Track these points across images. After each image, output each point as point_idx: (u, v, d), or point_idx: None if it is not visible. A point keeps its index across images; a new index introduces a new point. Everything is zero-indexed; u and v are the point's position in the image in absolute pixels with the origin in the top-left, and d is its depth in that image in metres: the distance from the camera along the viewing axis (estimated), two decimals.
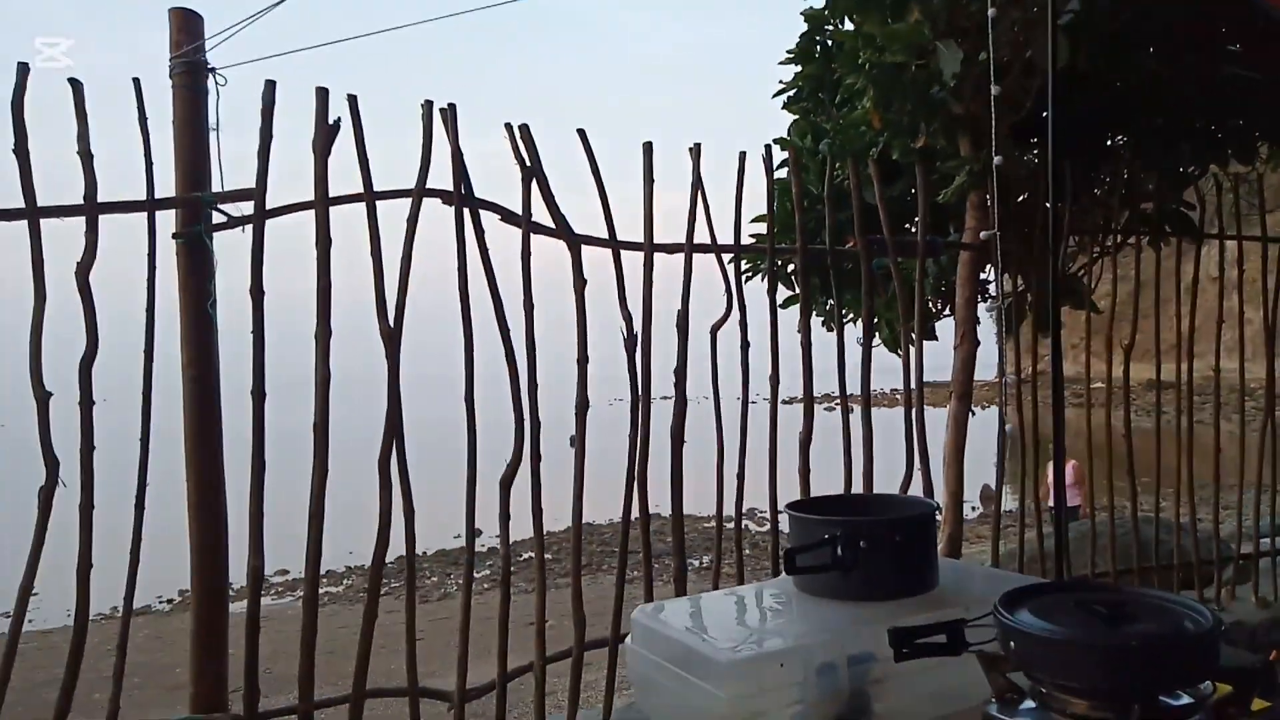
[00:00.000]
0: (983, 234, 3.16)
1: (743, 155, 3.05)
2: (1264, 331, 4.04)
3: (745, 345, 3.07)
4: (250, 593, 2.29)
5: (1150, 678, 1.00)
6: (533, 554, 2.88)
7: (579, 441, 2.83)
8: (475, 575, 2.65)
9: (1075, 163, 4.03)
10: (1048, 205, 3.79)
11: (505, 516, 2.69)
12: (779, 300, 3.28)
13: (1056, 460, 2.23)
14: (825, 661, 1.22)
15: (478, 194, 2.76)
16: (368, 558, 2.54)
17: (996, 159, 2.74)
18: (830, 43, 4.66)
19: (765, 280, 3.69)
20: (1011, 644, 1.08)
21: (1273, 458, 4.03)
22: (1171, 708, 1.04)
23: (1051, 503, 2.45)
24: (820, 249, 3.16)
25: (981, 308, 3.62)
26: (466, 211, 2.72)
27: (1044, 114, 4.15)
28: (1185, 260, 4.24)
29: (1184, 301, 3.98)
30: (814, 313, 4.26)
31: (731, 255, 3.09)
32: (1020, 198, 3.97)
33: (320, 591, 2.46)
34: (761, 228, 3.65)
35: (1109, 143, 4.57)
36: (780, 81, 5.16)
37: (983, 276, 3.93)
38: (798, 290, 4.37)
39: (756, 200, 3.10)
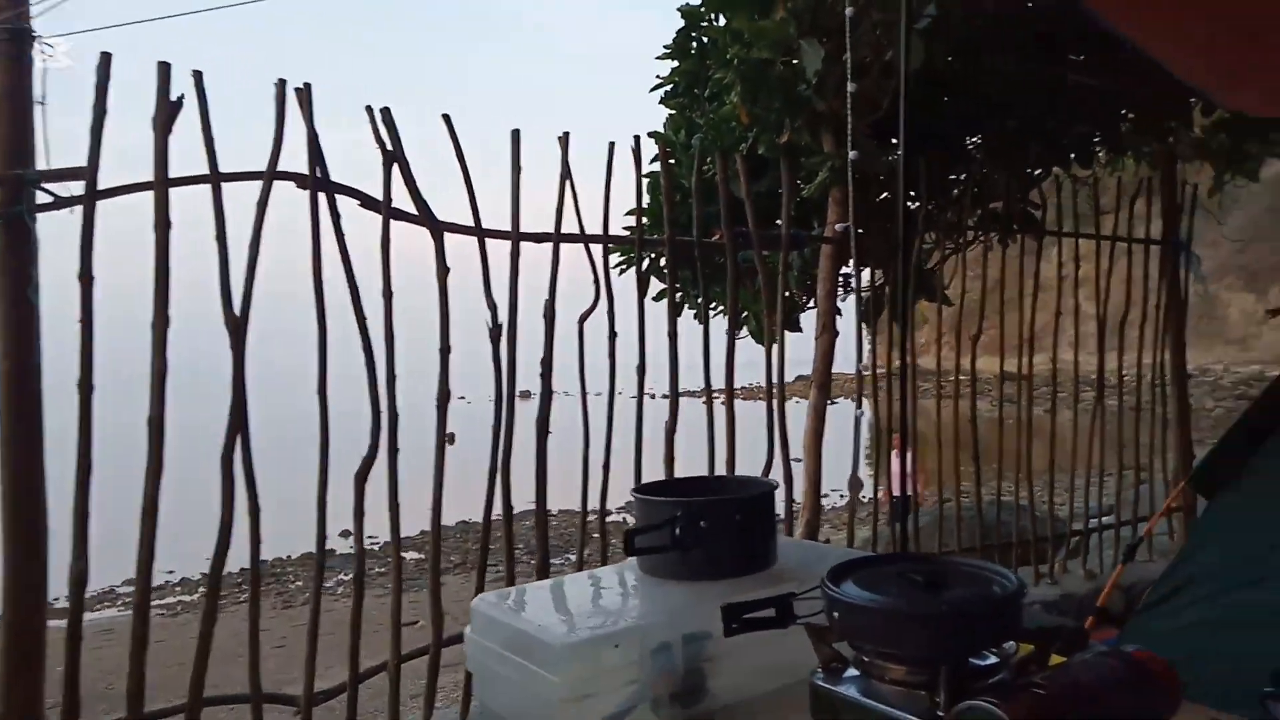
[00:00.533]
0: (837, 226, 3.27)
1: (611, 145, 3.05)
2: (1100, 326, 4.35)
3: (613, 336, 3.07)
4: (72, 600, 2.13)
5: (958, 641, 1.04)
6: (411, 553, 2.80)
7: (440, 434, 2.77)
8: (346, 577, 2.57)
9: (933, 162, 4.24)
10: (906, 201, 4.03)
11: (360, 513, 2.61)
12: (651, 293, 3.31)
13: (902, 450, 2.33)
14: (662, 641, 1.22)
15: (347, 182, 2.67)
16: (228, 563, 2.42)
17: (852, 154, 2.84)
18: (706, 39, 4.74)
19: (635, 270, 3.71)
20: (835, 615, 1.11)
21: (1101, 443, 4.34)
22: (979, 668, 1.09)
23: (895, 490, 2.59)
24: (687, 241, 3.20)
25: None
26: (322, 196, 2.62)
27: (910, 113, 4.38)
28: (1035, 260, 4.51)
29: (1032, 298, 4.24)
30: (686, 305, 4.32)
31: (601, 246, 3.09)
32: (881, 195, 4.14)
33: (174, 600, 2.33)
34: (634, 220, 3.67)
35: (966, 144, 4.84)
36: (658, 77, 5.21)
37: (846, 270, 4.09)
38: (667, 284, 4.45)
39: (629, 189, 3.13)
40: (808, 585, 1.24)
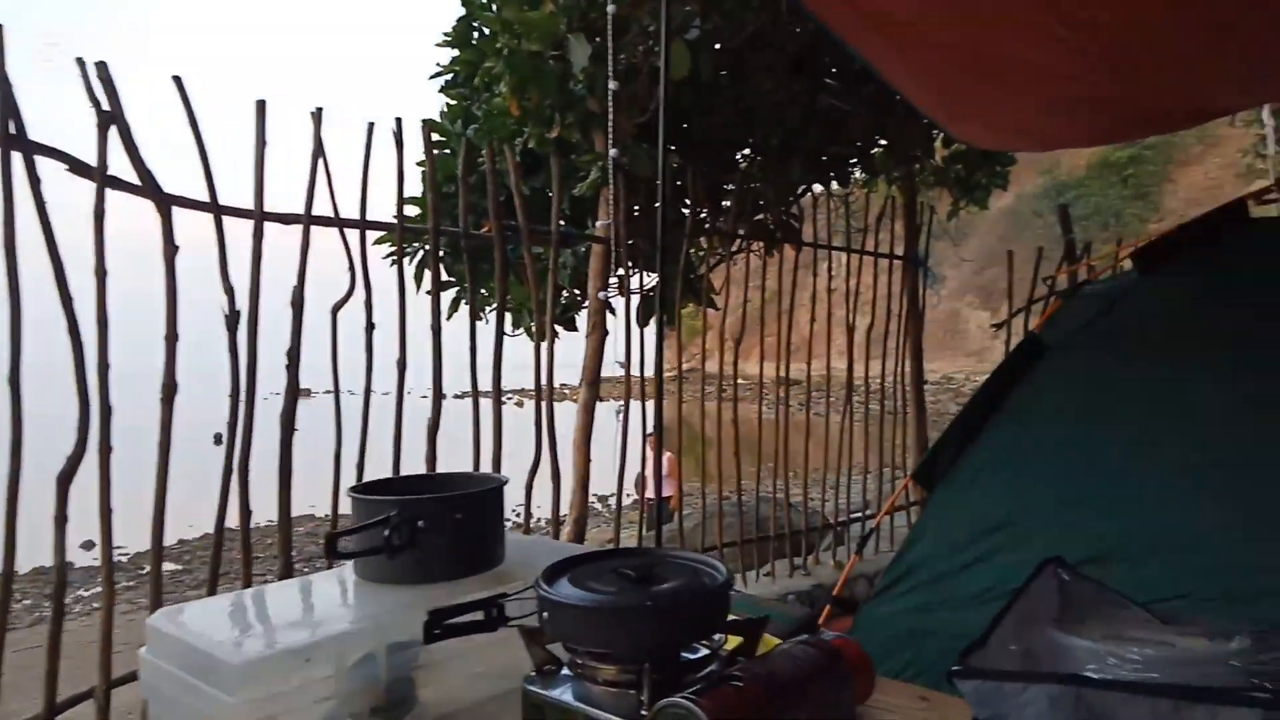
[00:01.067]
0: (598, 224, 3.28)
1: (370, 126, 2.88)
2: (848, 335, 4.67)
3: (370, 328, 2.90)
4: None
5: (660, 635, 1.02)
6: (169, 564, 2.47)
7: (164, 431, 2.49)
8: (85, 593, 2.20)
9: (703, 170, 4.37)
10: (684, 204, 4.13)
11: (62, 519, 2.28)
12: (424, 287, 3.17)
13: (657, 452, 2.35)
14: (366, 652, 1.12)
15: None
16: None
17: (612, 152, 2.85)
18: (486, 30, 4.62)
19: (412, 263, 3.55)
20: (544, 614, 1.06)
21: (866, 444, 4.67)
22: (690, 661, 1.08)
23: (650, 493, 2.65)
24: (452, 231, 3.08)
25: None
26: (18, 156, 2.27)
27: (680, 121, 4.51)
28: (808, 274, 4.79)
29: (807, 309, 4.52)
30: (463, 300, 4.19)
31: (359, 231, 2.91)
32: (654, 199, 4.22)
33: None
34: (412, 209, 3.51)
35: (736, 157, 5.05)
36: (438, 64, 5.02)
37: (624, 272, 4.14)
38: (447, 277, 4.29)
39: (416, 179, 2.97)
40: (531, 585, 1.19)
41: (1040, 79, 2.55)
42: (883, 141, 5.34)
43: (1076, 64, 2.37)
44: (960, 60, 2.54)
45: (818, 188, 5.31)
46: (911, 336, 4.97)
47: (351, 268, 2.86)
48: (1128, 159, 25.87)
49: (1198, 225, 2.51)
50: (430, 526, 1.25)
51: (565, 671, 1.10)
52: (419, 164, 4.18)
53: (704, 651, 1.09)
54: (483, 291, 3.93)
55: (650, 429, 3.46)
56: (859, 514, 4.99)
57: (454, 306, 4.25)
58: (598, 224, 3.34)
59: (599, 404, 3.52)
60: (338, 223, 2.83)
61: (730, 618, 1.09)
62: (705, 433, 4.29)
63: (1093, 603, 1.50)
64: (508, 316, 4.80)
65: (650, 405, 3.63)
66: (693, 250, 4.54)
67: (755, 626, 1.12)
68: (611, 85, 2.80)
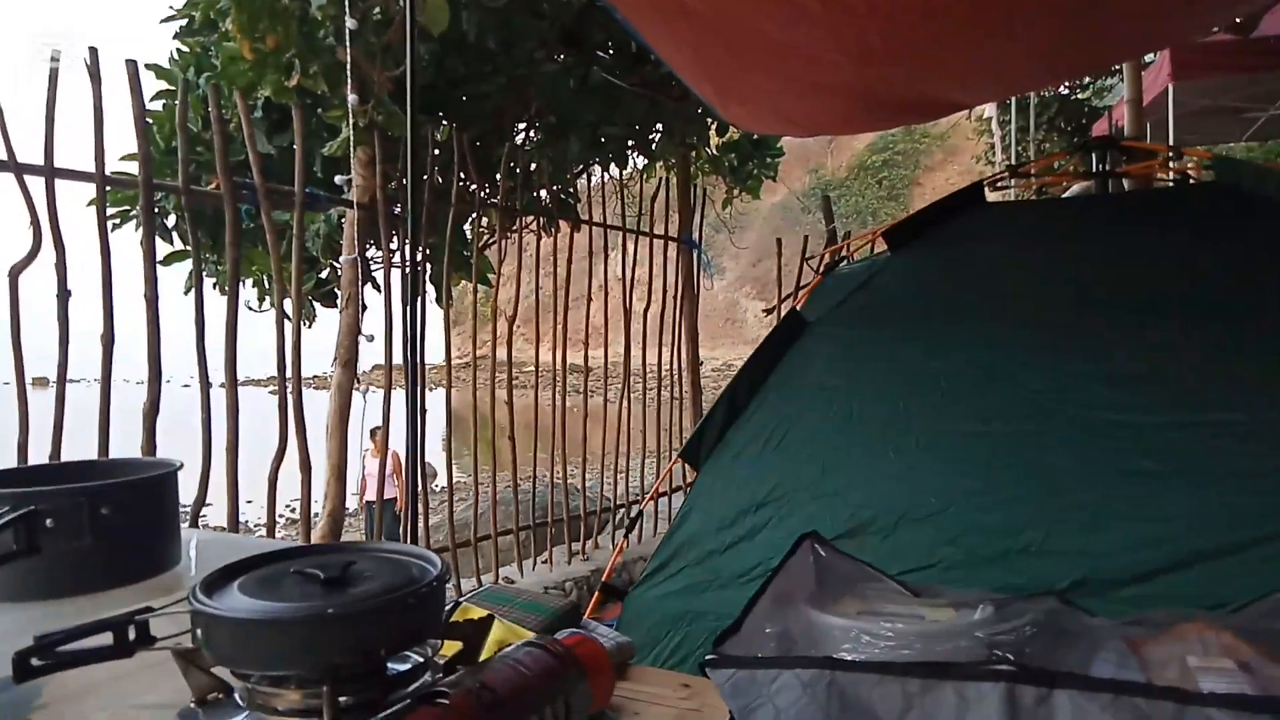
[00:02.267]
0: (336, 179, 2.97)
1: (91, 62, 2.41)
2: (625, 318, 4.61)
3: (64, 295, 2.44)
4: None
5: (351, 648, 0.82)
6: None
7: None
8: None
9: (477, 140, 4.14)
10: (458, 175, 3.88)
11: None
12: (159, 256, 2.71)
13: (413, 450, 2.12)
14: None
15: None
16: None
17: (351, 99, 2.57)
18: None
19: (138, 228, 3.04)
20: (199, 631, 0.83)
21: (657, 429, 4.63)
22: (398, 675, 0.88)
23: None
24: (170, 187, 2.66)
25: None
26: None
27: (452, 87, 4.24)
28: (598, 261, 4.68)
29: (595, 297, 4.42)
30: (205, 272, 3.70)
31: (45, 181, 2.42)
32: (422, 165, 3.93)
33: None
34: (132, 166, 3.00)
35: (514, 130, 4.85)
36: (171, 8, 4.41)
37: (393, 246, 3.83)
38: (184, 245, 3.77)
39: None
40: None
41: (789, 59, 2.56)
42: (659, 126, 5.34)
43: (820, 46, 2.39)
44: (719, 37, 2.49)
45: (599, 170, 5.24)
46: (687, 319, 5.00)
47: (35, 223, 2.38)
48: (882, 163, 28.21)
49: (941, 206, 2.63)
50: (62, 525, 0.97)
51: (237, 700, 0.87)
52: (154, 114, 3.66)
53: (416, 660, 0.91)
54: (216, 261, 3.48)
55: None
56: (639, 498, 4.98)
57: (192, 278, 3.76)
58: (337, 178, 3.00)
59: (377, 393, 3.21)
60: (14, 169, 2.34)
61: (469, 619, 0.90)
62: (483, 420, 4.09)
63: (848, 578, 1.47)
64: (256, 291, 4.38)
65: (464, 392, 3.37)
66: (469, 225, 4.30)
67: (477, 629, 0.94)
68: (350, 24, 2.51)
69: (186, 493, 1.41)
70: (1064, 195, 3.53)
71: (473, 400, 3.92)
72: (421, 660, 0.92)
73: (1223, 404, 1.90)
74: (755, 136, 6.31)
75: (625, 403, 4.57)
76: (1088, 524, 1.92)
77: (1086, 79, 12.96)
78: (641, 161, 5.71)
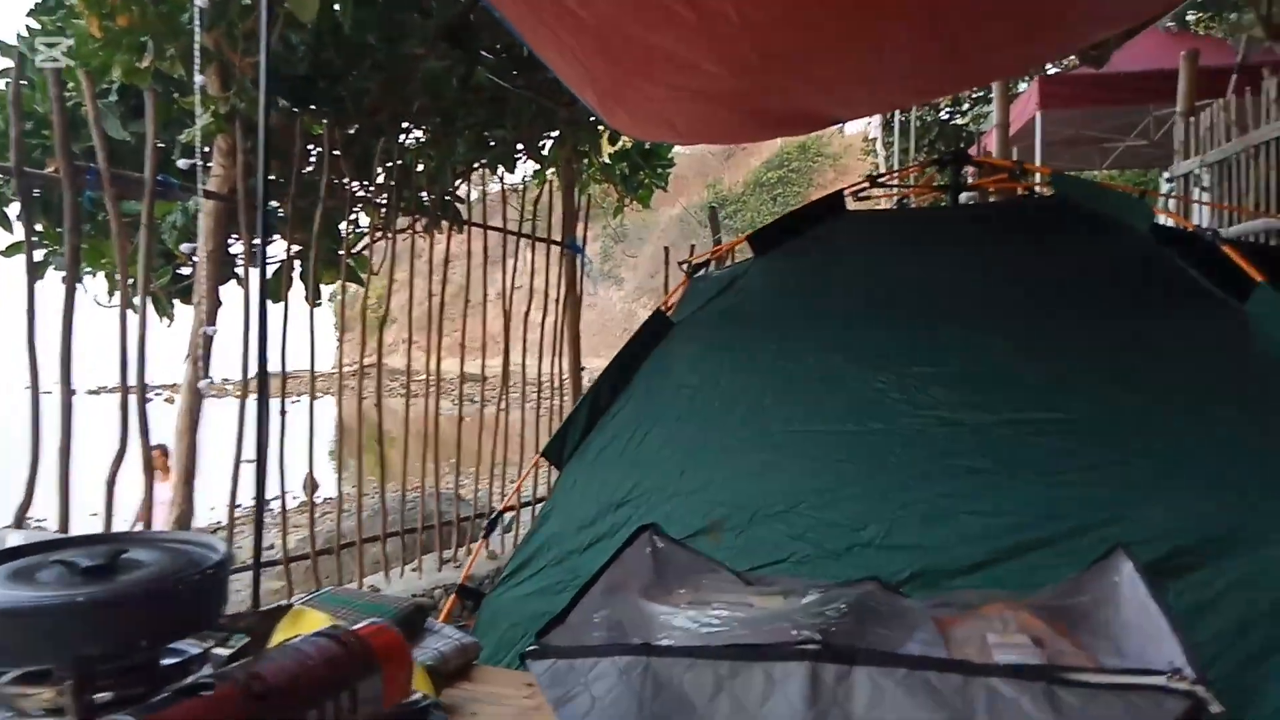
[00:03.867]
0: (181, 163, 2.83)
1: None
2: (505, 320, 4.57)
3: None
4: None
5: (107, 639, 0.77)
6: None
7: None
8: None
9: (355, 136, 4.03)
10: (333, 170, 3.76)
11: None
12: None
13: (261, 456, 2.03)
14: None
15: None
16: None
17: (199, 80, 2.46)
18: None
19: None
20: None
21: (508, 434, 4.58)
22: (169, 667, 0.84)
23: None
24: (3, 168, 2.49)
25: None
26: None
27: (328, 80, 4.12)
28: (496, 270, 4.62)
29: (495, 304, 4.38)
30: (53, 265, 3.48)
31: None
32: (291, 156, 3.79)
33: None
34: None
35: (402, 130, 4.74)
36: None
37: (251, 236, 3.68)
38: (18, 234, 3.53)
39: None
40: None
41: (667, 67, 2.59)
42: (552, 133, 5.32)
43: (697, 55, 2.42)
44: (599, 41, 2.50)
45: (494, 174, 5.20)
46: (570, 325, 4.98)
47: None
48: (777, 180, 28.93)
49: (804, 213, 2.71)
50: None
51: None
52: None
53: (195, 650, 0.86)
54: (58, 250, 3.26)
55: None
56: (528, 502, 4.92)
57: (35, 269, 3.52)
58: (179, 163, 2.86)
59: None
60: None
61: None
62: (374, 428, 3.98)
63: (684, 569, 1.48)
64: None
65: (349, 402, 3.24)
66: (348, 224, 4.18)
67: (263, 621, 0.90)
68: (200, 2, 2.40)
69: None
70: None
71: (358, 408, 3.81)
72: (199, 652, 0.87)
73: (1047, 404, 2.01)
74: (646, 146, 6.37)
75: (504, 409, 4.52)
76: (925, 519, 1.99)
77: (966, 105, 13.67)
78: (534, 167, 5.69)
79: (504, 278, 4.50)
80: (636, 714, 1.05)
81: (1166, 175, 7.20)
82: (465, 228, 4.55)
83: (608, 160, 6.54)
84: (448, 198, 4.79)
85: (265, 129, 2.29)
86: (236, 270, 3.58)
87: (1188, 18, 11.85)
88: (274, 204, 3.81)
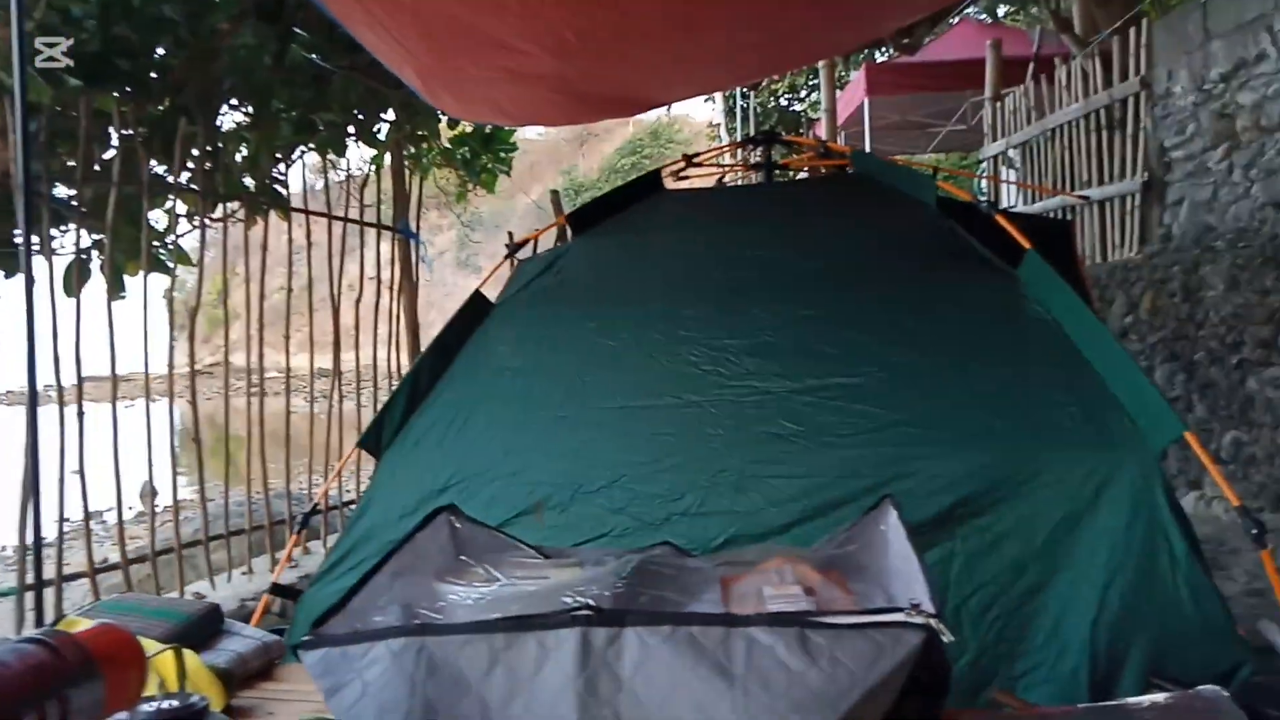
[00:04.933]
0: None
1: None
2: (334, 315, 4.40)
3: None
4: None
5: None
6: None
7: None
8: None
9: (159, 118, 3.76)
10: (141, 156, 3.48)
11: None
12: None
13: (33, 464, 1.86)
14: None
15: None
16: None
17: None
18: None
19: None
20: None
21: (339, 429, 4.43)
22: None
23: None
24: None
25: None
26: None
27: (127, 55, 3.81)
28: (350, 260, 4.42)
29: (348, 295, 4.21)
30: None
31: None
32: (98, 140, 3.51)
33: None
34: None
35: (218, 112, 4.46)
36: None
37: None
38: None
39: None
40: None
41: (487, 47, 2.54)
42: (388, 116, 5.15)
43: (515, 35, 2.39)
44: (415, 19, 2.42)
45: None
46: (406, 312, 4.85)
47: None
48: (630, 166, 29.16)
49: (623, 192, 2.73)
50: None
51: None
52: None
53: None
54: None
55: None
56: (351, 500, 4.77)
57: None
58: None
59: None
60: None
61: None
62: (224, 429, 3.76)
63: (484, 548, 1.46)
64: None
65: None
66: (165, 212, 3.90)
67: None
68: None
69: None
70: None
71: (193, 410, 3.59)
72: None
73: (846, 370, 2.12)
74: (487, 129, 6.27)
75: (337, 403, 4.36)
76: (737, 486, 2.06)
77: (804, 93, 14.22)
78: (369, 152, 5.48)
79: (329, 260, 4.33)
80: (408, 698, 1.03)
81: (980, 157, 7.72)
82: (289, 215, 4.34)
83: (448, 145, 6.41)
84: (271, 182, 4.56)
85: (23, 104, 2.09)
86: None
87: (999, 10, 12.74)
88: (67, 190, 3.52)
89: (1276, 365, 4.17)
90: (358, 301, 4.52)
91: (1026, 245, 2.10)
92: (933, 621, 0.96)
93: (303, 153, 5.05)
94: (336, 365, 4.37)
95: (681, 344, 2.29)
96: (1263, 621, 1.61)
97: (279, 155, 4.67)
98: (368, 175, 4.73)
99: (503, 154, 6.85)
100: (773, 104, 13.35)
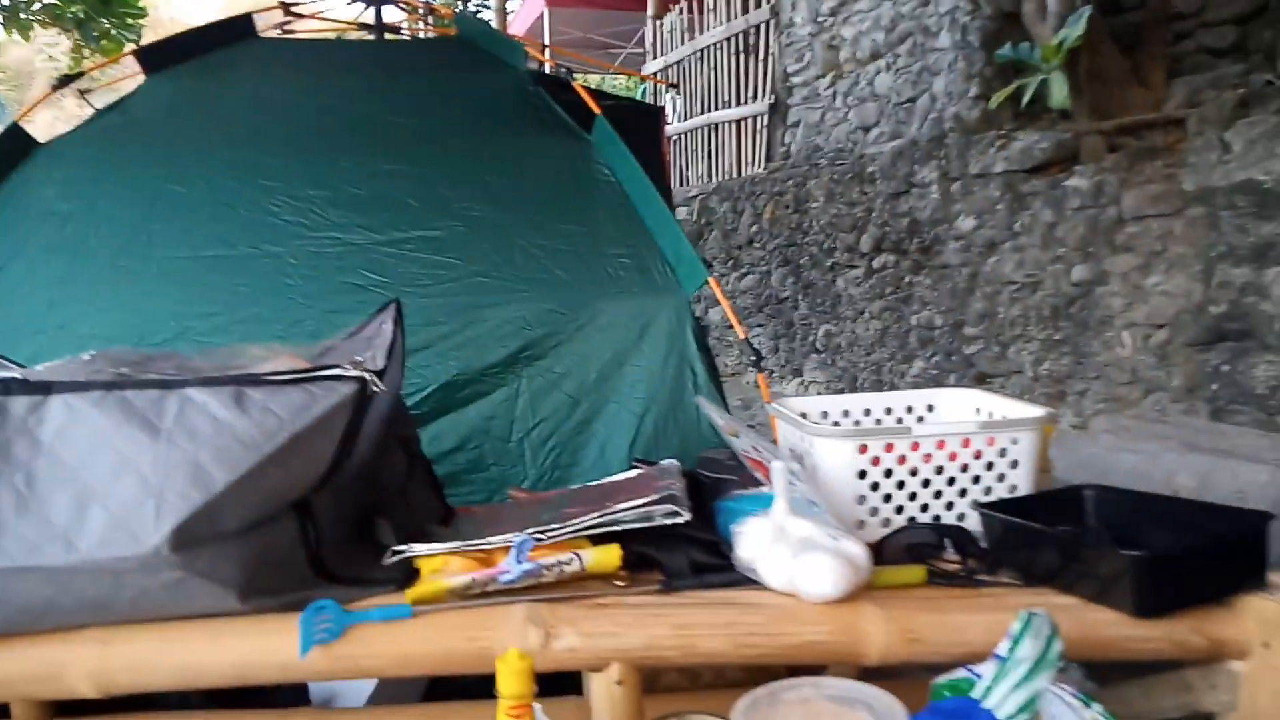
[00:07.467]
0: None
1: None
2: None
3: None
4: None
5: None
6: None
7: None
8: None
9: None
10: None
11: None
12: None
13: None
14: None
15: None
16: None
17: None
18: None
19: None
20: None
21: None
22: None
23: None
24: None
25: None
26: None
27: None
28: None
29: None
30: None
31: None
32: None
33: None
34: None
35: None
36: None
37: None
38: None
39: None
40: None
41: None
42: None
43: None
44: None
45: None
46: None
47: None
48: None
49: (205, 32, 2.52)
50: None
51: None
52: None
53: None
54: None
55: None
56: None
57: None
58: None
59: None
60: None
61: None
62: None
63: None
64: None
65: None
66: None
67: None
68: None
69: None
70: None
71: None
72: None
73: (429, 223, 2.16)
74: None
75: None
76: (313, 335, 2.03)
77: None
78: None
79: None
80: None
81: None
82: None
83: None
84: None
85: None
86: None
87: None
88: None
89: (858, 267, 4.89)
90: None
91: (597, 111, 2.25)
92: (367, 375, 1.02)
93: None
94: None
95: (262, 193, 2.19)
96: (699, 398, 1.93)
97: None
98: None
99: (130, 18, 6.04)
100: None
